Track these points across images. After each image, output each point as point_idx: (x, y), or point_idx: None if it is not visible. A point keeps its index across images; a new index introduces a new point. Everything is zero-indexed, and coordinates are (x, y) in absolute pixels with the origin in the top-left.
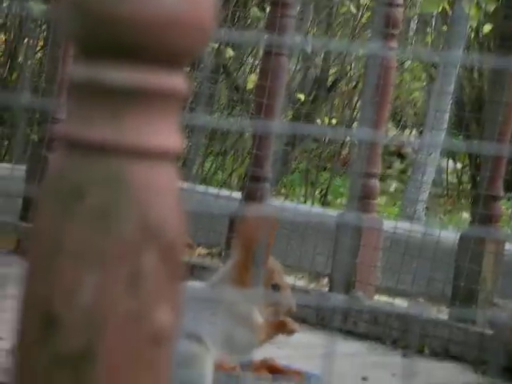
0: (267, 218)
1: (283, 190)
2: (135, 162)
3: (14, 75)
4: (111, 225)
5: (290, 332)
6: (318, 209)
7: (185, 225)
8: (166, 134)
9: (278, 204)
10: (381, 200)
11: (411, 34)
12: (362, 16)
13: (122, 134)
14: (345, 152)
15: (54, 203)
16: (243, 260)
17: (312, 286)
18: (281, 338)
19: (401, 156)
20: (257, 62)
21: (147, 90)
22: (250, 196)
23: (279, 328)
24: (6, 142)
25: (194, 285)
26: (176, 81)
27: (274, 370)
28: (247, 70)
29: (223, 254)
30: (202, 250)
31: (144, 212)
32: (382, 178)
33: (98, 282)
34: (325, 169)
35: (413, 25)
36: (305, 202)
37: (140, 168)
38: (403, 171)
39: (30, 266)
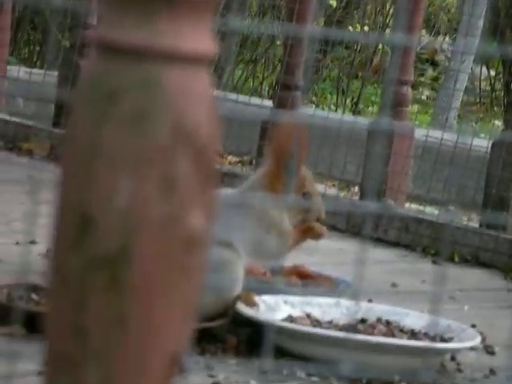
0: (300, 126)
1: (314, 99)
2: (169, 66)
3: None
4: (146, 129)
5: (318, 236)
6: (349, 117)
7: (218, 131)
8: (200, 39)
9: (309, 112)
10: (413, 108)
11: None
12: None
13: (155, 38)
14: (377, 60)
15: (89, 108)
16: (275, 168)
17: (343, 194)
18: (311, 244)
19: (433, 63)
20: None
21: None
22: (281, 104)
23: (307, 233)
24: (37, 48)
25: (225, 191)
26: None
27: (304, 276)
28: None
29: (254, 162)
30: (232, 159)
31: (178, 117)
32: (415, 86)
33: (133, 185)
34: (356, 77)
35: None
36: (336, 110)
37: (174, 72)
38: (436, 79)
39: (65, 170)
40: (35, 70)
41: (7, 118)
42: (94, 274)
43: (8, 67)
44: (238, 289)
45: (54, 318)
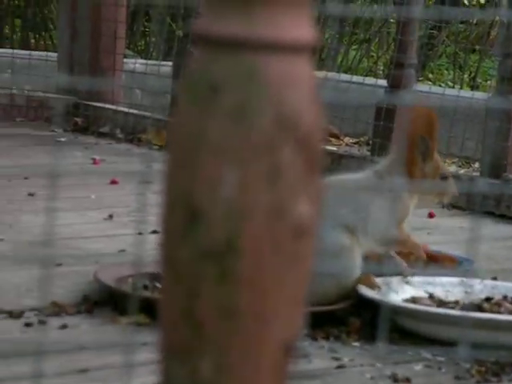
0: (429, 109)
1: (431, 75)
2: (269, 55)
3: None
4: (248, 119)
5: (418, 258)
6: (466, 93)
7: (321, 117)
8: (299, 27)
9: (424, 89)
10: None
11: None
12: None
13: (254, 28)
14: (494, 33)
15: (193, 99)
16: (410, 153)
17: (462, 171)
18: (432, 223)
19: None
20: None
21: None
22: (395, 83)
23: (410, 251)
24: (153, 39)
25: (354, 176)
26: None
27: (426, 255)
28: None
29: (371, 142)
30: (349, 140)
31: (280, 106)
32: None
33: (239, 175)
34: (473, 51)
35: None
36: (453, 86)
37: (274, 62)
38: None
39: (171, 162)
40: (151, 61)
41: (126, 110)
42: (203, 265)
43: (125, 60)
44: (356, 274)
45: (167, 307)
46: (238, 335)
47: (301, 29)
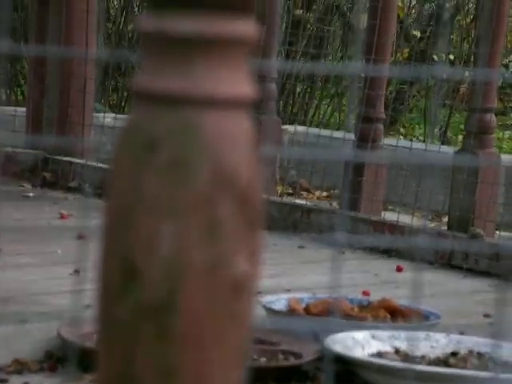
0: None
1: (402, 130)
2: (207, 111)
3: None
4: (185, 176)
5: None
6: (434, 147)
7: (260, 173)
8: (238, 82)
9: (393, 143)
10: (501, 134)
11: None
12: None
13: (192, 83)
14: (464, 87)
15: (129, 157)
16: None
17: (431, 225)
18: (398, 277)
19: None
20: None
21: (215, 38)
22: (363, 137)
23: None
24: (124, 93)
25: None
26: (245, 27)
27: (392, 309)
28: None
29: (341, 197)
30: (320, 193)
31: (217, 162)
32: (505, 113)
33: (176, 232)
34: (444, 105)
35: None
36: (424, 140)
37: (212, 117)
38: None
39: (107, 219)
40: (121, 116)
41: (95, 164)
42: (141, 324)
43: (95, 114)
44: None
45: (104, 366)
46: None
47: (239, 84)
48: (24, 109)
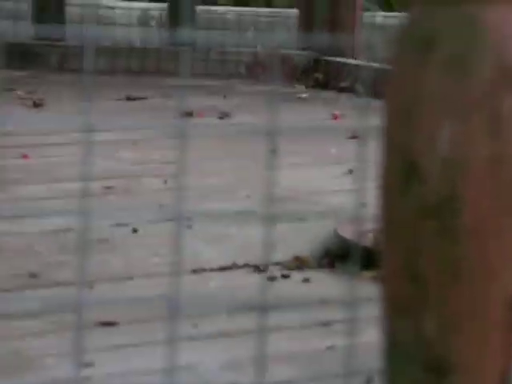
0: None
1: None
2: (487, 6)
3: None
4: (467, 71)
5: None
6: None
7: None
8: None
9: None
10: None
11: None
12: None
13: None
14: None
15: (409, 54)
16: None
17: None
18: None
19: None
20: None
21: None
22: None
23: None
24: None
25: None
26: None
27: None
28: None
29: None
30: None
31: (500, 55)
32: None
33: (458, 127)
34: None
35: None
36: None
37: (493, 11)
38: None
39: (388, 118)
40: (391, 13)
41: (366, 64)
42: (423, 221)
43: (365, 14)
44: None
45: (389, 262)
46: (463, 290)
47: None
48: (294, 11)
